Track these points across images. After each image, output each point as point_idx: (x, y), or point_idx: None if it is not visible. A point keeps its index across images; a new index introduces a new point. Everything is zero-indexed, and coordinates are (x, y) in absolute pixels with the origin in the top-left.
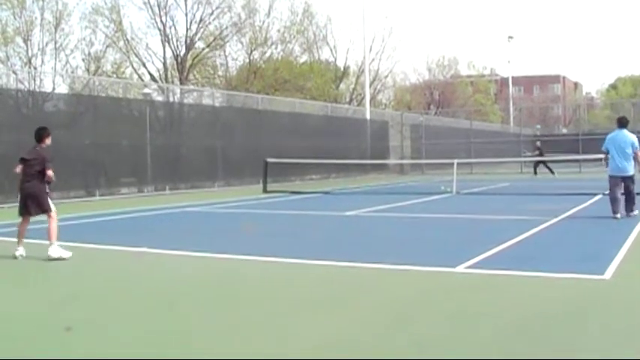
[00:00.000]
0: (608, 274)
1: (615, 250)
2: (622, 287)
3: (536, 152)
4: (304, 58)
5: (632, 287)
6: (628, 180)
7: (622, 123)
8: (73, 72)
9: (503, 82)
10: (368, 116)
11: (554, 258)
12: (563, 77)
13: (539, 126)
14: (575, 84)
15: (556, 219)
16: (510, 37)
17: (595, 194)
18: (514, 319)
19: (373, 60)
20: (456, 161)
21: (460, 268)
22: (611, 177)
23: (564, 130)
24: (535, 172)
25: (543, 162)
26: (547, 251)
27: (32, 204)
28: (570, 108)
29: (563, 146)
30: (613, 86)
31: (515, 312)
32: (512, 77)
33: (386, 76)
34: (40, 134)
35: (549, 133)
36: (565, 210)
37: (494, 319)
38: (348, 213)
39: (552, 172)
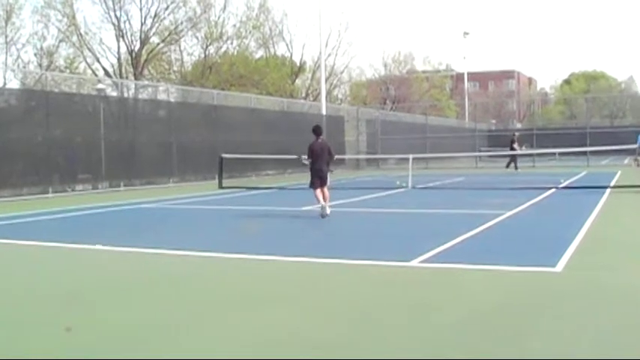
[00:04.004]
0: (560, 266)
1: (567, 244)
2: (572, 279)
3: (514, 147)
4: (260, 53)
5: (582, 279)
6: None
7: None
8: (24, 67)
9: (459, 77)
10: (324, 111)
11: (507, 251)
12: (518, 73)
13: (494, 121)
14: (530, 79)
15: (510, 213)
16: (466, 33)
17: (548, 188)
18: (466, 312)
19: (329, 55)
20: (411, 156)
21: (414, 262)
22: None
23: (519, 125)
24: (516, 167)
25: (514, 157)
26: (500, 245)
27: (324, 180)
28: (525, 103)
29: (518, 141)
30: (567, 82)
31: (468, 306)
32: (468, 73)
33: (342, 72)
34: (318, 131)
35: (504, 128)
36: (519, 204)
37: (448, 313)
38: (303, 208)
39: (516, 168)
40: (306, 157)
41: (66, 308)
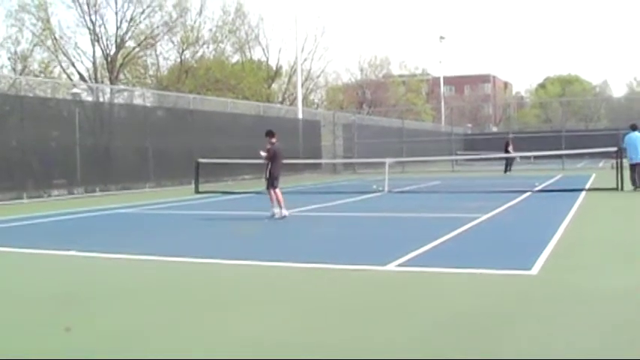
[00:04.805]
0: (535, 269)
1: (542, 247)
2: (547, 282)
3: (509, 149)
4: (236, 57)
5: (557, 281)
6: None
7: (634, 128)
8: None
9: (435, 81)
10: (300, 116)
11: (483, 255)
12: (494, 77)
13: (470, 125)
14: (505, 84)
15: (486, 216)
16: (442, 38)
17: (524, 191)
18: (443, 316)
19: (305, 60)
20: (387, 160)
21: (391, 266)
22: (631, 165)
23: (495, 129)
24: (509, 170)
25: (509, 159)
26: (476, 248)
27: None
28: (500, 107)
29: (494, 144)
30: (542, 86)
31: (444, 309)
32: (444, 77)
33: (318, 76)
34: (273, 134)
35: (480, 131)
36: (494, 207)
37: (424, 317)
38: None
39: (505, 171)
40: (265, 154)
41: (48, 312)
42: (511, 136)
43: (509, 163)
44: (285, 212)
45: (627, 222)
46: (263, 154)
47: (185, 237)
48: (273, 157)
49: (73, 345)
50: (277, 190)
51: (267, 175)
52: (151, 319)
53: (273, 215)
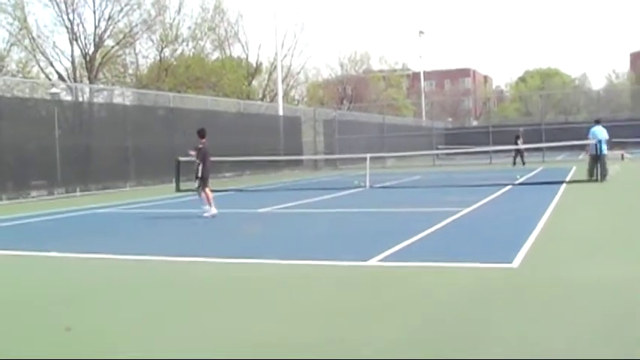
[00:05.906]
0: (516, 262)
1: (523, 240)
2: (528, 275)
3: (518, 142)
4: (216, 55)
5: (537, 274)
6: (604, 157)
7: (598, 122)
8: None
9: (415, 76)
10: (281, 112)
11: (464, 248)
12: (474, 71)
13: (450, 119)
14: (485, 77)
15: (467, 210)
16: (421, 32)
17: (505, 185)
18: (425, 310)
19: (285, 56)
20: (368, 155)
21: (372, 262)
22: (591, 156)
23: (475, 123)
24: (523, 163)
25: (520, 152)
26: (458, 242)
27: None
28: (481, 101)
29: (474, 138)
30: (522, 79)
31: (426, 303)
32: (424, 72)
33: (298, 72)
34: (204, 133)
35: (460, 125)
36: (476, 201)
37: (406, 311)
38: (261, 210)
39: (523, 163)
40: (194, 152)
41: (39, 313)
42: (521, 129)
43: (521, 155)
44: (214, 211)
45: (607, 214)
46: (192, 153)
47: (166, 236)
48: (203, 157)
49: (73, 345)
50: (207, 190)
51: (199, 175)
52: (146, 319)
53: (204, 213)
